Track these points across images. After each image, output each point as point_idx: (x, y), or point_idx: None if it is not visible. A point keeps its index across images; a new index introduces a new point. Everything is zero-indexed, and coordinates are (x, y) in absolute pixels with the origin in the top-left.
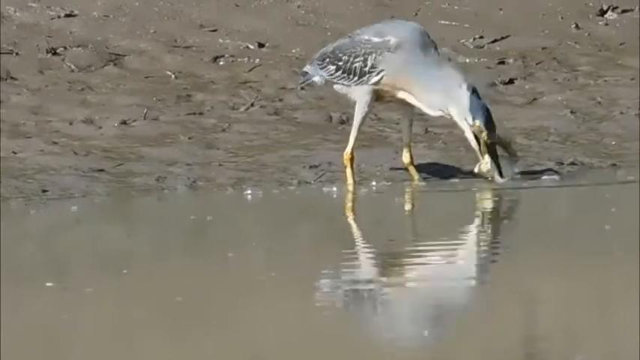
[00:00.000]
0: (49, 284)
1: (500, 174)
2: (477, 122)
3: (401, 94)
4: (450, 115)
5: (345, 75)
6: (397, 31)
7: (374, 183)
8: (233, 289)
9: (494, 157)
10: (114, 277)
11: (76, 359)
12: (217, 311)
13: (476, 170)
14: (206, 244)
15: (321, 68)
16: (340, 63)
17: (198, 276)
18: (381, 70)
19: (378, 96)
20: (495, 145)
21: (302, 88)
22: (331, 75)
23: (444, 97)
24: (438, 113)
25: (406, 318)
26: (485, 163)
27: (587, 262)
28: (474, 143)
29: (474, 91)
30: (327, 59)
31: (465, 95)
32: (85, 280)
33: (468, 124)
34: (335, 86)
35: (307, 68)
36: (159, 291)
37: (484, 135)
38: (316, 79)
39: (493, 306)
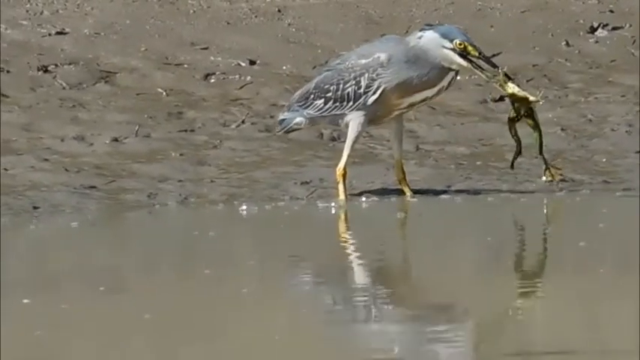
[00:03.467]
0: (25, 301)
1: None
2: (456, 40)
3: (417, 97)
4: (448, 68)
5: (338, 104)
6: (382, 47)
7: (365, 199)
8: (215, 306)
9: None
10: (94, 294)
11: None
12: (194, 327)
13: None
14: (196, 261)
15: (306, 107)
16: (329, 94)
17: (181, 293)
18: (379, 88)
19: (377, 116)
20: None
21: (287, 132)
22: (320, 110)
23: (432, 59)
24: (448, 80)
25: (397, 331)
26: (510, 87)
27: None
28: (466, 63)
29: (429, 25)
30: (312, 96)
31: (427, 36)
32: (64, 297)
33: (452, 52)
34: (327, 120)
35: (285, 115)
36: (133, 308)
37: (470, 49)
38: (298, 120)
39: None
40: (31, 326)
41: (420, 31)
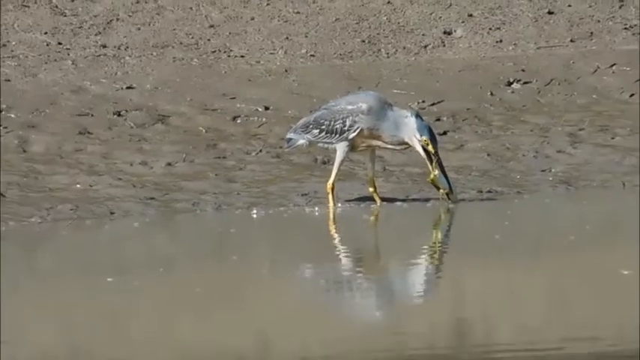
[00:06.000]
0: (109, 279)
1: (450, 188)
2: (424, 137)
3: (374, 142)
4: (407, 142)
5: (328, 135)
6: (365, 99)
7: (347, 206)
8: (247, 281)
9: (443, 171)
10: (156, 274)
11: (124, 331)
12: (231, 297)
13: (429, 180)
14: (228, 250)
15: (306, 133)
16: (323, 127)
17: (218, 272)
18: (358, 127)
19: (353, 146)
20: (441, 161)
21: (292, 149)
22: (315, 137)
23: (401, 133)
24: (402, 146)
25: (372, 301)
26: (433, 174)
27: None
28: (423, 154)
29: (417, 116)
30: (310, 126)
31: (411, 121)
32: (136, 276)
33: (417, 140)
34: (319, 144)
35: (291, 135)
36: (186, 283)
37: (430, 147)
38: (301, 142)
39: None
40: (116, 298)
41: (409, 112)
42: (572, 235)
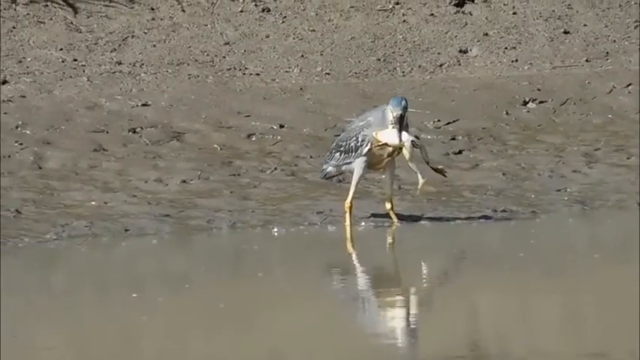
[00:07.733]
0: (134, 295)
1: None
2: (390, 108)
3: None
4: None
5: (347, 154)
6: (373, 113)
7: (363, 224)
8: (261, 298)
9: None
10: (178, 290)
11: (150, 342)
12: (249, 313)
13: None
14: (243, 267)
15: (331, 160)
16: (342, 149)
17: (236, 289)
18: (368, 141)
19: (371, 162)
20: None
21: (326, 179)
22: (338, 160)
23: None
24: (399, 136)
25: (385, 318)
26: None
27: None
28: (389, 123)
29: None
30: (333, 151)
31: (387, 109)
32: (157, 293)
33: (392, 116)
34: (343, 168)
35: (324, 166)
36: (208, 300)
37: (395, 114)
38: (329, 169)
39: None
40: (144, 312)
41: (387, 106)
42: (594, 254)
